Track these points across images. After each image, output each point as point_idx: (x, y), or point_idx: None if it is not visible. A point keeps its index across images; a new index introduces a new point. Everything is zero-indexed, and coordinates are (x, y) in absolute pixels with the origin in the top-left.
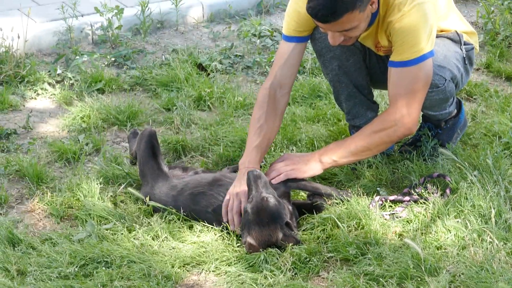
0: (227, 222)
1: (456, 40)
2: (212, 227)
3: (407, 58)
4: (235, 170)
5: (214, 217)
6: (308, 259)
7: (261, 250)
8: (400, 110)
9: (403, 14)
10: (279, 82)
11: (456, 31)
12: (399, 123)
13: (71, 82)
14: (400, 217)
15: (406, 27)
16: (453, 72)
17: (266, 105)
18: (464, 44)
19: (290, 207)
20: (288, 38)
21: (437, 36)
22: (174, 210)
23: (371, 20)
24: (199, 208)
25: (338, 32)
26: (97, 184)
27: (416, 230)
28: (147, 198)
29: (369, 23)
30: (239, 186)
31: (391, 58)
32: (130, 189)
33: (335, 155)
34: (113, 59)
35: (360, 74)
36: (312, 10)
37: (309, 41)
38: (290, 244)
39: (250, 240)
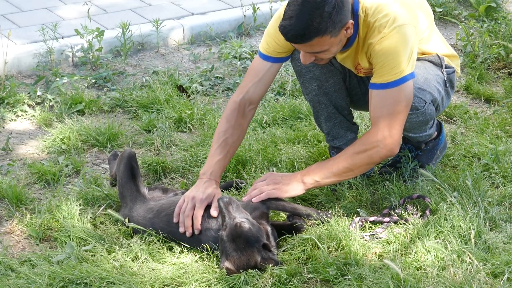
0: (177, 222)
1: (437, 63)
2: (191, 248)
3: (387, 80)
4: None
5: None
6: (288, 280)
7: (240, 271)
8: (382, 132)
9: (383, 36)
10: (250, 98)
11: (437, 54)
12: (381, 144)
13: (51, 104)
14: (380, 238)
15: (386, 49)
16: (433, 95)
17: (233, 119)
18: (445, 67)
19: (269, 228)
20: (266, 57)
21: (418, 59)
22: (153, 232)
23: (350, 42)
24: (174, 229)
25: (309, 53)
26: (76, 205)
27: (396, 251)
28: (126, 220)
29: (347, 45)
30: (195, 191)
31: (372, 80)
32: (109, 210)
33: (317, 176)
34: (93, 81)
35: (340, 95)
36: (284, 29)
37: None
38: (270, 265)
39: (228, 265)
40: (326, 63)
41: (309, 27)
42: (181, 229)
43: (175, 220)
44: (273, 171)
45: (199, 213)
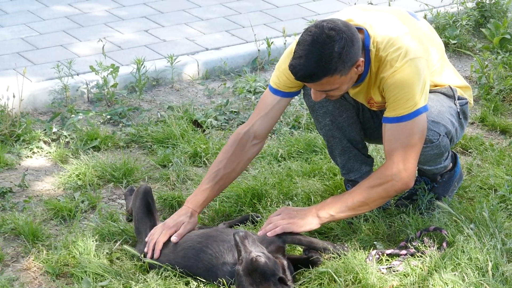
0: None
1: (450, 95)
2: (208, 283)
3: (401, 113)
4: (231, 226)
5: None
6: None
7: None
8: (397, 165)
9: (395, 70)
10: (255, 132)
11: (450, 86)
12: (396, 178)
13: (66, 140)
14: (397, 270)
15: (398, 82)
16: (447, 127)
17: (231, 152)
18: (458, 99)
19: (285, 262)
20: (276, 91)
21: (431, 91)
22: (170, 267)
23: (362, 77)
24: (190, 263)
25: (319, 91)
26: (92, 241)
27: (413, 284)
28: (142, 255)
29: (359, 80)
30: (170, 217)
31: (385, 114)
32: (125, 246)
33: (333, 210)
34: (108, 116)
35: (354, 129)
36: (293, 68)
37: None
38: None
39: None
40: (338, 98)
41: (318, 67)
42: (149, 255)
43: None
44: (288, 205)
45: (161, 239)
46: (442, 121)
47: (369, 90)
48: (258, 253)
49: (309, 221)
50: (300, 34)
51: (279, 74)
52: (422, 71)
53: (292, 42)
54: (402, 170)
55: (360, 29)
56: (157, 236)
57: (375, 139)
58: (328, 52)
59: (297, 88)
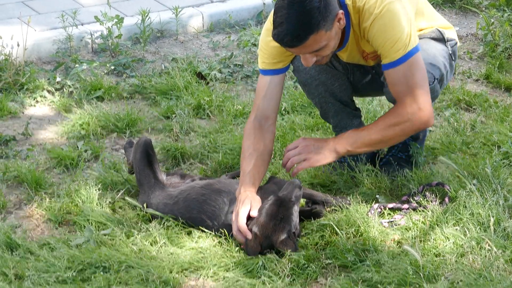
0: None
1: (440, 38)
2: (210, 233)
3: (394, 58)
4: (233, 177)
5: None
6: (306, 266)
7: (259, 246)
8: (410, 106)
9: (375, 17)
10: (263, 114)
11: (437, 29)
12: (413, 117)
13: (70, 90)
14: (398, 224)
15: (382, 28)
16: (441, 70)
17: (253, 136)
18: (448, 41)
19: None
20: (264, 72)
21: (420, 37)
22: (171, 218)
23: (346, 33)
24: (194, 215)
25: (309, 54)
26: (95, 190)
27: (415, 238)
28: (145, 206)
29: (345, 38)
30: (234, 210)
31: (382, 62)
32: (127, 198)
33: (350, 145)
34: (112, 67)
35: (346, 93)
36: (278, 37)
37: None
38: (288, 250)
39: (255, 229)
40: (328, 66)
41: (302, 27)
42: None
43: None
44: None
45: (242, 222)
46: (438, 64)
47: (359, 44)
48: (297, 201)
49: (326, 155)
50: (274, 4)
51: (262, 54)
52: (402, 12)
53: (266, 21)
54: (417, 110)
55: None
56: (235, 227)
57: (367, 92)
58: (307, 9)
59: (283, 63)
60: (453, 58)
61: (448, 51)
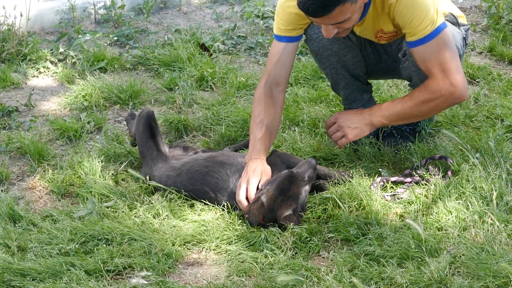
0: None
1: (454, 22)
2: (213, 206)
3: (423, 34)
4: (236, 150)
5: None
6: (308, 239)
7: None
8: (443, 81)
9: None
10: (274, 80)
11: (451, 13)
12: (446, 93)
13: (73, 60)
14: (401, 198)
15: (409, 4)
16: (460, 51)
17: (263, 102)
18: (461, 25)
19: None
20: (279, 38)
21: None
22: (174, 190)
23: (365, 9)
24: (197, 187)
25: (331, 25)
26: (98, 162)
27: (417, 211)
28: (147, 178)
29: (363, 13)
30: (244, 177)
31: (408, 39)
32: (130, 170)
33: (385, 118)
34: (115, 38)
35: (358, 65)
36: (303, 5)
37: (301, 40)
38: (291, 224)
39: (263, 199)
40: (342, 37)
41: None
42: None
43: (246, 212)
44: (294, 131)
45: (252, 191)
46: (457, 44)
47: (377, 22)
48: (309, 182)
49: (363, 129)
50: None
51: (278, 20)
52: None
53: None
54: (449, 85)
55: None
56: (243, 194)
57: (375, 74)
58: None
59: (298, 31)
60: (466, 42)
61: (462, 35)
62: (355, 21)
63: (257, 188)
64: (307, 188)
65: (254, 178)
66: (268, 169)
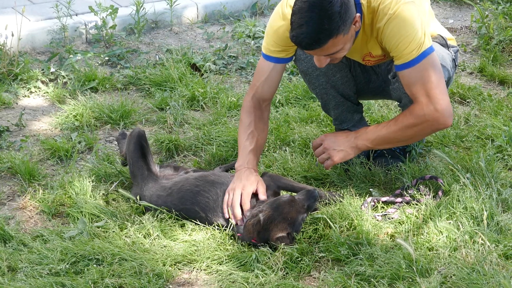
0: (229, 218)
1: (443, 43)
2: (204, 226)
3: (408, 58)
4: (227, 170)
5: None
6: (299, 259)
7: (255, 237)
8: (427, 106)
9: (389, 18)
10: (261, 96)
11: (440, 35)
12: (430, 118)
13: (64, 80)
14: (392, 218)
15: (396, 29)
16: (449, 73)
17: (253, 114)
18: (450, 47)
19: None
20: (267, 57)
21: None
22: (166, 210)
23: (355, 33)
24: (187, 207)
25: (324, 56)
26: (89, 182)
27: (408, 231)
28: (138, 198)
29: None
30: (238, 182)
31: (395, 63)
32: (120, 190)
33: (370, 142)
34: (107, 58)
35: (348, 85)
36: (296, 38)
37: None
38: (282, 244)
39: (261, 216)
40: None
41: (322, 31)
42: (234, 221)
43: (226, 216)
44: (285, 150)
45: (247, 199)
46: (446, 66)
47: (365, 46)
48: (308, 212)
49: (348, 151)
50: (293, 4)
51: (268, 40)
52: (417, 13)
53: (277, 6)
54: (433, 111)
55: None
56: (237, 201)
57: (365, 94)
58: (328, 13)
59: (287, 53)
60: (455, 64)
61: (452, 56)
62: (348, 50)
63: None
64: (304, 216)
65: (250, 186)
66: (262, 181)
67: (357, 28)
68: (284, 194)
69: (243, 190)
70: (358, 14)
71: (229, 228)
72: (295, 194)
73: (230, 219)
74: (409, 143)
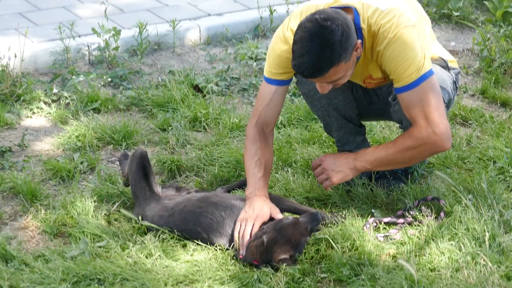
0: (238, 248)
1: (444, 66)
2: (205, 246)
3: (407, 82)
4: (229, 190)
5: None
6: (301, 279)
7: (257, 258)
8: (426, 129)
9: (389, 42)
10: (264, 121)
11: (441, 57)
12: (429, 141)
13: (67, 101)
14: (394, 239)
15: (395, 52)
16: (450, 95)
17: (258, 141)
18: (451, 69)
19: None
20: (269, 81)
21: None
22: (168, 231)
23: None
24: (190, 227)
25: (326, 83)
26: (91, 202)
27: (410, 252)
28: (140, 218)
29: None
30: (251, 211)
31: (394, 86)
32: (123, 210)
33: (369, 164)
34: (109, 79)
35: (350, 108)
36: (298, 68)
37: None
38: (284, 264)
39: (265, 238)
40: None
41: (323, 61)
42: (241, 252)
43: (235, 247)
44: (287, 171)
45: (257, 229)
46: (447, 88)
47: (366, 68)
48: (310, 235)
49: (347, 173)
50: (295, 33)
51: (270, 63)
52: (416, 37)
53: (278, 29)
54: (432, 134)
55: (348, 8)
56: (249, 229)
57: (367, 116)
58: (330, 42)
59: (289, 74)
60: (456, 86)
61: (452, 78)
62: (350, 75)
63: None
64: (307, 239)
65: (262, 217)
66: (274, 207)
67: (359, 54)
68: (286, 216)
69: (255, 221)
70: (359, 41)
71: (231, 249)
72: (298, 216)
73: (239, 250)
74: (408, 165)
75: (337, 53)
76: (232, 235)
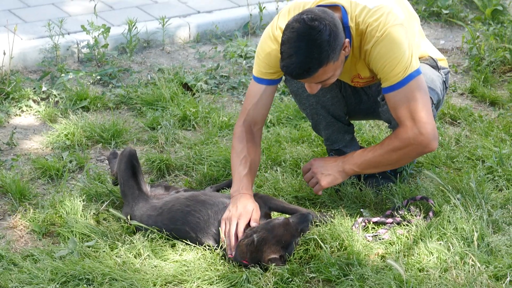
0: (226, 248)
1: (434, 65)
2: (194, 246)
3: (394, 81)
4: (218, 189)
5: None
6: (290, 279)
7: (247, 258)
8: (411, 129)
9: (376, 40)
10: (253, 120)
11: (430, 57)
12: (415, 141)
13: (56, 99)
14: (382, 238)
15: (382, 51)
16: (439, 95)
17: (245, 140)
18: (440, 68)
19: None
20: (259, 80)
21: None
22: (156, 230)
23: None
24: (178, 227)
25: (315, 83)
26: (80, 201)
27: (399, 252)
28: (128, 218)
29: None
30: (234, 210)
31: (382, 85)
32: (111, 209)
33: (357, 167)
34: (98, 77)
35: (338, 106)
36: (286, 69)
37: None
38: (273, 264)
39: (255, 237)
40: None
41: (312, 61)
42: (229, 252)
43: (224, 247)
44: (276, 170)
45: (241, 228)
46: (436, 88)
47: (354, 67)
48: (301, 236)
49: (336, 176)
50: (282, 33)
51: (260, 62)
52: (403, 36)
53: (267, 28)
54: (418, 134)
55: (335, 6)
56: (234, 229)
57: (356, 115)
58: (318, 43)
59: (279, 74)
60: (446, 86)
61: (442, 78)
62: (338, 75)
63: (248, 226)
64: (297, 240)
65: (246, 215)
66: (257, 206)
67: (347, 53)
68: (276, 215)
69: (239, 220)
70: (347, 40)
71: (220, 249)
72: (288, 216)
73: (226, 250)
74: (396, 167)
75: (325, 53)
76: (218, 234)
